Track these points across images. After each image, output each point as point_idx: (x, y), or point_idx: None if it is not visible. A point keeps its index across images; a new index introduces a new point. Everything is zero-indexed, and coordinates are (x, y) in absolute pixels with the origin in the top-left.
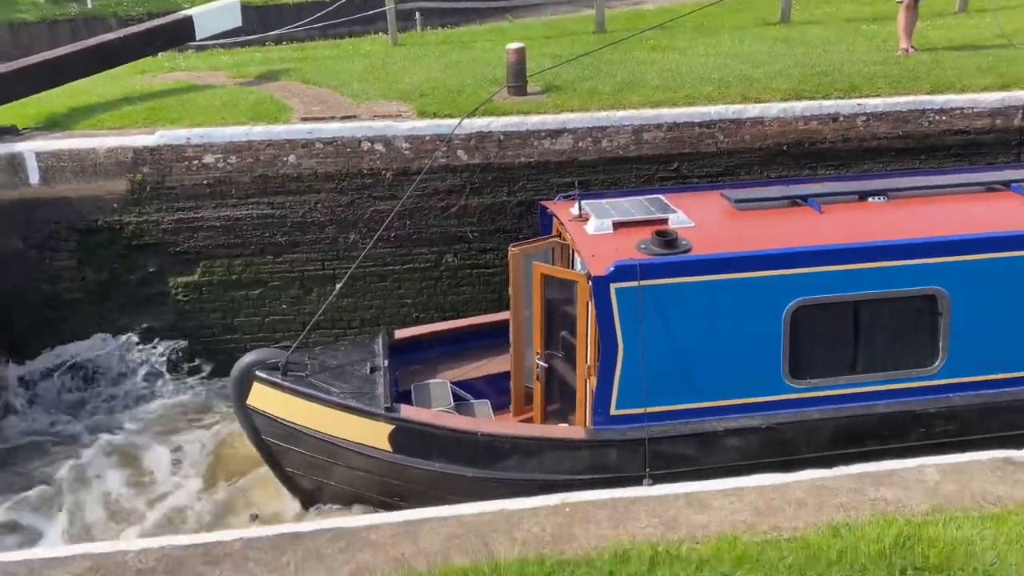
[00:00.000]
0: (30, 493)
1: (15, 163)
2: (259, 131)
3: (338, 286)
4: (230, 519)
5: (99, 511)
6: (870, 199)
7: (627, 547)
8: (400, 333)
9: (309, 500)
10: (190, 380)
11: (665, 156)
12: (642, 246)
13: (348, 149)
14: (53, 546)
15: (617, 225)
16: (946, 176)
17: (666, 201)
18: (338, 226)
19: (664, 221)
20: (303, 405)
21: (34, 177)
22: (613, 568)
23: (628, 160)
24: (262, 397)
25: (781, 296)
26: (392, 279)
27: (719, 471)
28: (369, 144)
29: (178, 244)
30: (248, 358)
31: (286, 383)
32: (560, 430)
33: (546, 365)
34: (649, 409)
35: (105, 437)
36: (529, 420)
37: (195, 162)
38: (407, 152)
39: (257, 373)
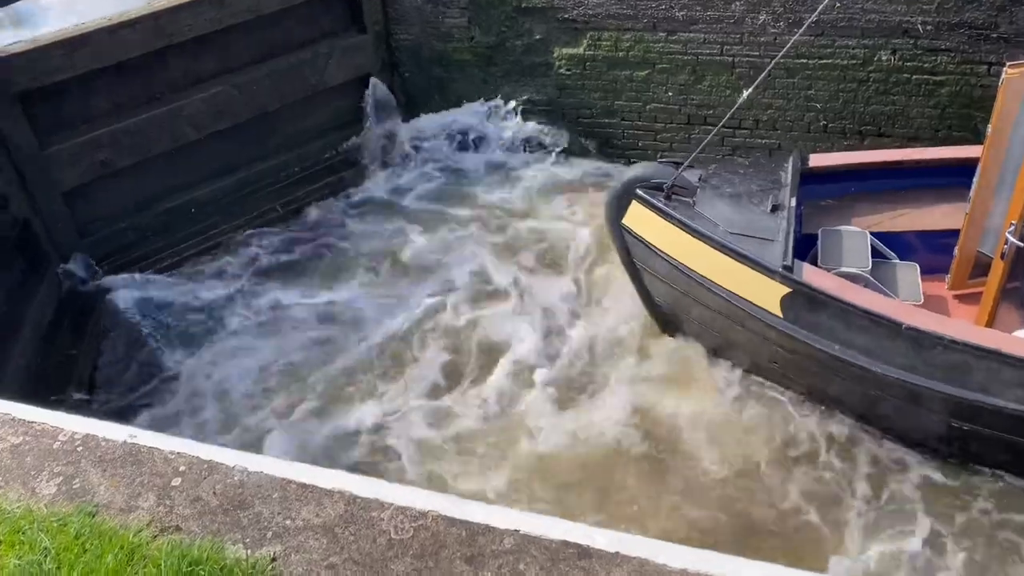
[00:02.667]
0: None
1: None
2: None
3: (746, 92)
4: (582, 324)
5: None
6: None
7: None
8: (816, 160)
9: (669, 330)
10: (563, 160)
11: None
12: None
13: None
14: (313, 467)
15: None
16: None
17: None
18: (747, 2)
19: None
20: (684, 238)
21: None
22: None
23: None
24: (640, 219)
25: None
26: (803, 75)
27: None
28: None
29: (567, 11)
30: (632, 173)
31: (669, 210)
32: (1021, 343)
33: (1021, 243)
34: None
35: (471, 209)
36: (969, 299)
37: None
38: None
39: (638, 192)
